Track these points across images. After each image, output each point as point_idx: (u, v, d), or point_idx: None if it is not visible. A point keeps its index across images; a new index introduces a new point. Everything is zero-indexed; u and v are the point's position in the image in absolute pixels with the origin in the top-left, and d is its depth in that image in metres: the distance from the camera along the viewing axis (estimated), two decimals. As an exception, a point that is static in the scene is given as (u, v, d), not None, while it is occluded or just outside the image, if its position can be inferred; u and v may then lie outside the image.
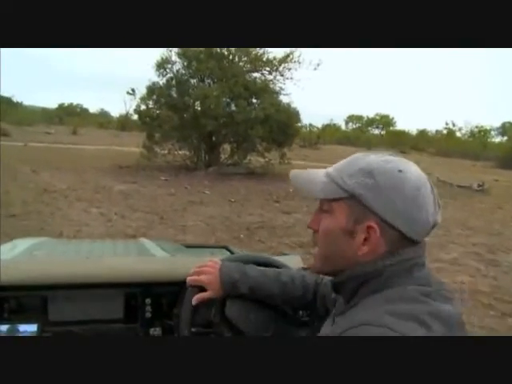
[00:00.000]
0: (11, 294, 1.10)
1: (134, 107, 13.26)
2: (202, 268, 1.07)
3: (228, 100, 12.27)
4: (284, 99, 13.50)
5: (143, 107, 12.90)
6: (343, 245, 0.74)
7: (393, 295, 0.69)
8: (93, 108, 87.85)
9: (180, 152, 13.23)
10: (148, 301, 1.20)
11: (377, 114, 69.84)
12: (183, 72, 12.74)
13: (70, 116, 50.21)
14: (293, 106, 13.40)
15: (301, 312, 1.14)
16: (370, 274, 0.72)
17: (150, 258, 1.54)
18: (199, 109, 12.12)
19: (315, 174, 0.79)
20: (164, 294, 1.21)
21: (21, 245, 1.75)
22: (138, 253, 1.75)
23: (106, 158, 14.75)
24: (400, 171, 0.71)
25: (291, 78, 13.77)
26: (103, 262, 1.32)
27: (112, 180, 10.54)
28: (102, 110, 66.61)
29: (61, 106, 59.11)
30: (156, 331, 1.20)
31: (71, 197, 8.11)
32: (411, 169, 0.73)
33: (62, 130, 33.20)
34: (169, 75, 12.73)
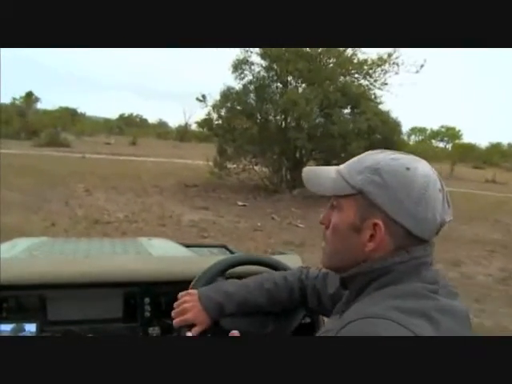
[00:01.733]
0: (10, 293, 1.09)
1: (194, 117, 11.37)
2: (182, 306, 0.99)
3: (317, 108, 10.00)
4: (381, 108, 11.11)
5: (214, 116, 10.95)
6: (350, 241, 0.75)
7: (400, 291, 0.69)
8: (152, 118, 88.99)
9: (257, 169, 11.10)
10: (147, 300, 1.18)
11: (442, 126, 65.37)
12: (264, 75, 10.62)
13: (129, 126, 50.62)
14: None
15: (293, 311, 1.08)
16: (378, 271, 0.72)
17: (149, 258, 1.55)
18: (283, 118, 9.97)
19: (326, 171, 0.80)
20: (163, 294, 1.18)
21: (20, 244, 1.75)
22: (136, 252, 1.71)
23: (168, 174, 12.97)
24: (408, 169, 0.71)
25: (385, 84, 11.40)
26: (102, 262, 1.32)
27: (179, 205, 8.60)
28: (161, 120, 66.86)
29: (121, 117, 59.99)
30: (155, 330, 1.18)
31: (129, 232, 6.13)
32: (419, 167, 0.72)
33: (122, 141, 32.71)
34: (247, 78, 10.68)
